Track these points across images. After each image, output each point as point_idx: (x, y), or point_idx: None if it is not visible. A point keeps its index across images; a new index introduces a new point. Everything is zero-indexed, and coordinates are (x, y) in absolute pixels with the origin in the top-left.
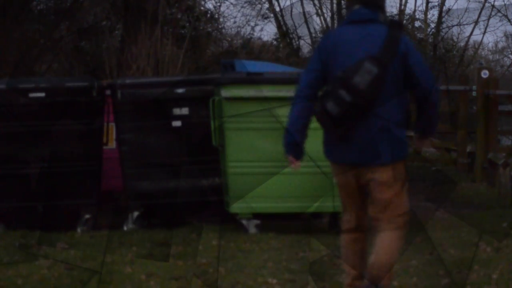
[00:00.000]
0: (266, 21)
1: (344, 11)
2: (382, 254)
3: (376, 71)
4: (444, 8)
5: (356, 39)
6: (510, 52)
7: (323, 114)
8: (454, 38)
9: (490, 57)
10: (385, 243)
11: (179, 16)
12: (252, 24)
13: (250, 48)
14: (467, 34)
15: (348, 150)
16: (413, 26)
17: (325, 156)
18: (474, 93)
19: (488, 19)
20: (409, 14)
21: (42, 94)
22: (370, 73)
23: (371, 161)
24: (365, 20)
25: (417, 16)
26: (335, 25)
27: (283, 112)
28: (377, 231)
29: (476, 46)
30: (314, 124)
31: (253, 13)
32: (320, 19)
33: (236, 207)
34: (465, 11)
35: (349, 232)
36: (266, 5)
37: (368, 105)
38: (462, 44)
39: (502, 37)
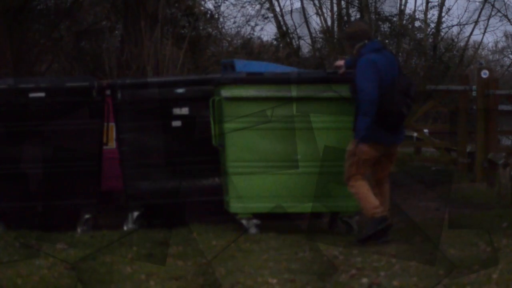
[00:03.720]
0: (266, 21)
1: (344, 12)
2: (387, 199)
3: (414, 84)
4: (444, 8)
5: (388, 62)
6: (510, 52)
7: (400, 114)
8: (454, 38)
9: (490, 57)
10: (387, 190)
11: (179, 16)
12: (252, 24)
13: (250, 48)
14: (467, 34)
15: (391, 135)
16: (413, 26)
17: (369, 140)
18: (474, 93)
19: (488, 19)
20: (409, 14)
21: (42, 94)
22: (414, 86)
23: (400, 141)
24: (382, 48)
25: (417, 16)
26: (335, 25)
27: (283, 112)
28: (381, 185)
29: (476, 46)
30: (316, 124)
31: (253, 13)
32: (320, 19)
33: (236, 207)
34: (465, 11)
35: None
36: (266, 5)
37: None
38: (462, 44)
39: (502, 37)
